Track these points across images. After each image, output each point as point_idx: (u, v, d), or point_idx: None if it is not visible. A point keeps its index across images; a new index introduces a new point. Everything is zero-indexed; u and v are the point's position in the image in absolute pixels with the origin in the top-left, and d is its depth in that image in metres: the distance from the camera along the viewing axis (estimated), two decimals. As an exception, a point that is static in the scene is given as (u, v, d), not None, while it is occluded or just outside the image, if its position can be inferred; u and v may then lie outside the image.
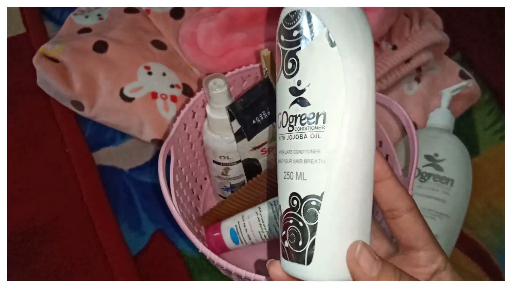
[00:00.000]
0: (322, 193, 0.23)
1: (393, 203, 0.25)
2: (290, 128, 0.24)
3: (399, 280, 0.23)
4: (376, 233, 0.28)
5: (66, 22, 0.59)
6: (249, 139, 0.40)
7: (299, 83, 0.24)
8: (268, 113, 0.40)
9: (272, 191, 0.43)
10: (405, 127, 0.42)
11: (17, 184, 0.52)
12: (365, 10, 0.53)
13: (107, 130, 0.56)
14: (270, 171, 0.42)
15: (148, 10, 0.58)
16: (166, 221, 0.49)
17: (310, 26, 0.23)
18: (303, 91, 0.24)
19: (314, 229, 0.23)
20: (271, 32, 0.52)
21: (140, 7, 0.59)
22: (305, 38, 0.23)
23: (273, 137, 0.42)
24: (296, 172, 0.24)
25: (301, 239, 0.24)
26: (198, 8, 0.56)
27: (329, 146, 0.23)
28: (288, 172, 0.25)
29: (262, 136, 0.41)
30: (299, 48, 0.24)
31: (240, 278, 0.36)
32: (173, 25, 0.57)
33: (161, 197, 0.38)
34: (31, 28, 0.65)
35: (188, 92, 0.54)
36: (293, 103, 0.24)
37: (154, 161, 0.54)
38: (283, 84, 0.25)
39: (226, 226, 0.44)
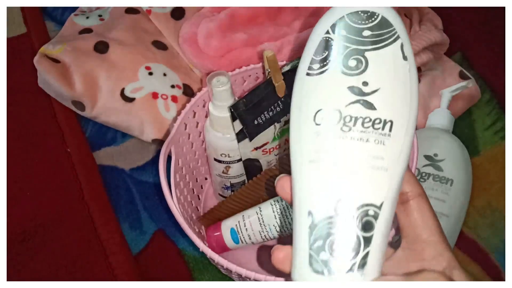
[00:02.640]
0: (382, 203, 0.22)
1: (402, 187, 0.24)
2: (346, 128, 0.23)
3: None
4: None
5: (67, 23, 0.59)
6: (250, 140, 0.41)
7: (365, 84, 0.23)
8: (270, 113, 0.40)
9: (272, 191, 0.43)
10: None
11: (18, 183, 0.52)
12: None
13: (108, 130, 0.56)
14: (270, 171, 0.42)
15: (149, 11, 0.58)
16: (166, 220, 0.49)
17: (387, 33, 0.23)
18: (369, 93, 0.23)
19: (369, 240, 0.22)
20: (272, 32, 0.52)
21: (141, 8, 0.59)
22: (378, 42, 0.23)
23: (274, 138, 0.42)
24: (351, 177, 0.23)
25: (350, 250, 0.22)
26: (199, 9, 0.56)
27: (393, 154, 0.23)
28: (335, 174, 0.23)
29: (264, 136, 0.41)
30: (369, 49, 0.23)
31: (240, 277, 0.36)
32: (173, 25, 0.57)
33: (162, 197, 0.38)
34: (32, 28, 0.65)
35: (188, 92, 0.54)
36: (353, 102, 0.23)
37: (154, 161, 0.54)
38: (335, 80, 0.23)
39: (227, 225, 0.44)
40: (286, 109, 0.40)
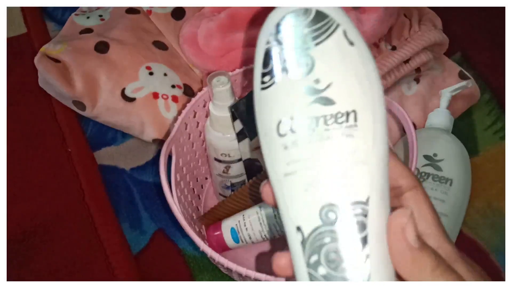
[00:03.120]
0: (368, 198, 0.21)
1: (395, 182, 0.24)
2: (310, 131, 0.22)
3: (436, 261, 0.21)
4: None
5: (68, 23, 0.59)
6: (251, 140, 0.41)
7: (316, 81, 0.22)
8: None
9: (259, 197, 0.43)
10: (404, 127, 0.42)
11: (18, 183, 0.52)
12: (365, 10, 0.54)
13: (109, 130, 0.56)
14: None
15: (149, 11, 0.59)
16: (167, 220, 0.49)
17: (325, 25, 0.22)
18: (323, 90, 0.22)
19: (365, 241, 0.20)
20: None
21: (141, 8, 0.59)
22: (319, 36, 0.22)
23: (259, 134, 0.42)
24: (328, 179, 0.21)
25: (350, 256, 0.20)
26: (199, 9, 0.56)
27: (366, 144, 0.21)
28: (312, 182, 0.21)
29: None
30: (311, 47, 0.22)
31: (240, 276, 0.36)
32: (174, 25, 0.57)
33: (162, 197, 0.38)
34: (33, 28, 0.65)
35: (189, 92, 0.54)
36: (310, 103, 0.22)
37: (155, 160, 0.54)
38: (287, 87, 0.22)
39: (227, 225, 0.44)
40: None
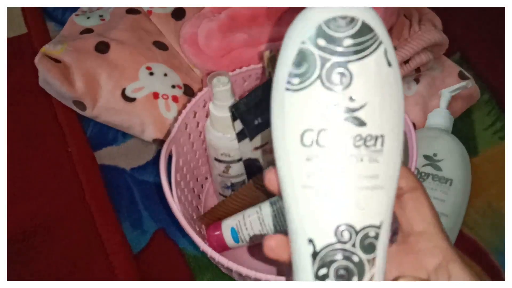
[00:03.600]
0: (381, 222, 0.21)
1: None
2: (337, 149, 0.21)
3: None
4: None
5: (68, 23, 0.59)
6: (251, 139, 0.41)
7: (351, 99, 0.21)
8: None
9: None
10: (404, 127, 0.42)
11: (19, 183, 0.52)
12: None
13: (109, 130, 0.56)
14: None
15: (149, 11, 0.59)
16: (167, 220, 0.49)
17: (369, 40, 0.21)
18: (357, 109, 0.21)
19: (373, 262, 0.21)
20: (272, 33, 0.52)
21: (141, 8, 0.59)
22: (361, 51, 0.21)
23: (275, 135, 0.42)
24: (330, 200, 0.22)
25: (356, 275, 0.21)
26: (200, 9, 0.56)
27: (388, 171, 0.21)
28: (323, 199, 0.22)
29: (264, 136, 0.41)
30: (352, 60, 0.21)
31: (240, 276, 0.36)
32: (174, 26, 0.57)
33: (162, 196, 0.38)
34: (33, 28, 0.65)
35: (189, 92, 0.54)
36: (342, 120, 0.21)
37: (155, 160, 0.54)
38: (319, 97, 0.21)
39: (227, 225, 0.44)
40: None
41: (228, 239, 0.44)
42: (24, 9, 0.67)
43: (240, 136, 0.41)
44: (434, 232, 0.24)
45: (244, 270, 0.34)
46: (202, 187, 0.50)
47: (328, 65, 0.21)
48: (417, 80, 0.55)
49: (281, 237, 0.24)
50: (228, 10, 0.52)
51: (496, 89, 0.59)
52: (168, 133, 0.50)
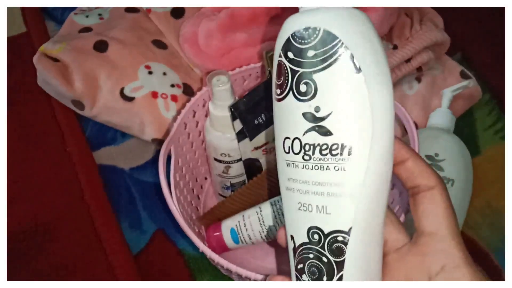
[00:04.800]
0: (350, 228, 0.22)
1: (413, 181, 0.24)
2: (307, 157, 0.22)
3: None
4: (388, 226, 0.25)
5: (67, 22, 0.59)
6: (251, 139, 0.40)
7: (317, 109, 0.22)
8: (271, 113, 0.40)
9: (272, 191, 0.43)
10: (405, 126, 0.42)
11: (18, 183, 0.52)
12: (365, 10, 0.54)
13: (108, 130, 0.56)
14: (270, 171, 0.42)
15: (149, 10, 0.58)
16: (166, 220, 0.49)
17: (332, 48, 0.21)
18: (323, 119, 0.22)
19: (342, 265, 0.22)
20: (272, 32, 0.52)
21: (141, 7, 0.59)
22: (325, 60, 0.21)
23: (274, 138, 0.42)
24: (317, 206, 0.22)
25: (325, 274, 0.23)
26: (199, 8, 0.56)
27: (355, 180, 0.22)
28: (304, 203, 0.23)
29: (264, 136, 0.41)
30: (317, 71, 0.21)
31: (240, 277, 0.36)
32: (174, 24, 0.57)
33: (162, 196, 0.38)
34: (32, 27, 0.65)
35: (188, 91, 0.54)
36: (309, 130, 0.22)
37: (154, 160, 0.54)
38: (292, 107, 0.22)
39: (227, 225, 0.44)
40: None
41: (228, 240, 0.44)
42: (23, 8, 0.67)
43: (240, 135, 0.40)
44: (445, 235, 0.23)
45: (244, 272, 0.34)
46: (201, 187, 0.50)
47: (296, 76, 0.22)
48: (418, 80, 0.55)
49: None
50: (228, 9, 0.52)
51: (497, 88, 0.58)
52: (167, 132, 0.50)
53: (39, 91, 0.54)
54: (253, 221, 0.43)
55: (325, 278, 0.23)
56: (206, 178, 0.51)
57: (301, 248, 0.23)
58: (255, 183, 0.42)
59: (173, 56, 0.56)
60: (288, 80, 0.22)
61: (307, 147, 0.22)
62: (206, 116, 0.45)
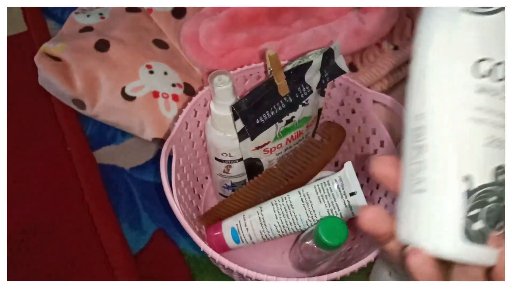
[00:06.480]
0: None
1: None
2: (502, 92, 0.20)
3: None
4: None
5: (68, 21, 0.59)
6: (252, 139, 0.40)
7: None
8: (272, 113, 0.40)
9: (272, 191, 0.43)
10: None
11: (18, 182, 0.52)
12: (367, 10, 0.54)
13: (108, 129, 0.56)
14: (271, 171, 0.42)
15: (150, 9, 0.58)
16: (167, 220, 0.49)
17: None
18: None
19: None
20: (272, 32, 0.52)
21: (142, 7, 0.59)
22: None
23: (275, 137, 0.42)
24: (499, 139, 0.20)
25: (502, 219, 0.20)
26: (200, 8, 0.56)
27: None
28: (499, 138, 0.20)
29: (265, 136, 0.41)
30: None
31: (241, 277, 0.36)
32: (174, 24, 0.57)
33: (162, 196, 0.37)
34: (33, 26, 0.65)
35: (189, 91, 0.54)
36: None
37: (154, 160, 0.54)
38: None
39: (227, 225, 0.44)
40: (287, 109, 0.40)
41: (229, 240, 0.44)
42: (23, 7, 0.67)
43: (241, 135, 0.40)
44: None
45: (244, 271, 0.34)
46: (202, 187, 0.50)
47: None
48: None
49: (379, 209, 0.23)
50: (228, 9, 0.52)
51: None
52: (168, 132, 0.50)
53: (39, 90, 0.54)
54: (254, 221, 0.42)
55: (499, 224, 0.20)
56: (206, 178, 0.51)
57: (482, 189, 0.20)
58: (256, 183, 0.42)
59: (174, 56, 0.56)
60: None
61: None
62: (207, 115, 0.45)
